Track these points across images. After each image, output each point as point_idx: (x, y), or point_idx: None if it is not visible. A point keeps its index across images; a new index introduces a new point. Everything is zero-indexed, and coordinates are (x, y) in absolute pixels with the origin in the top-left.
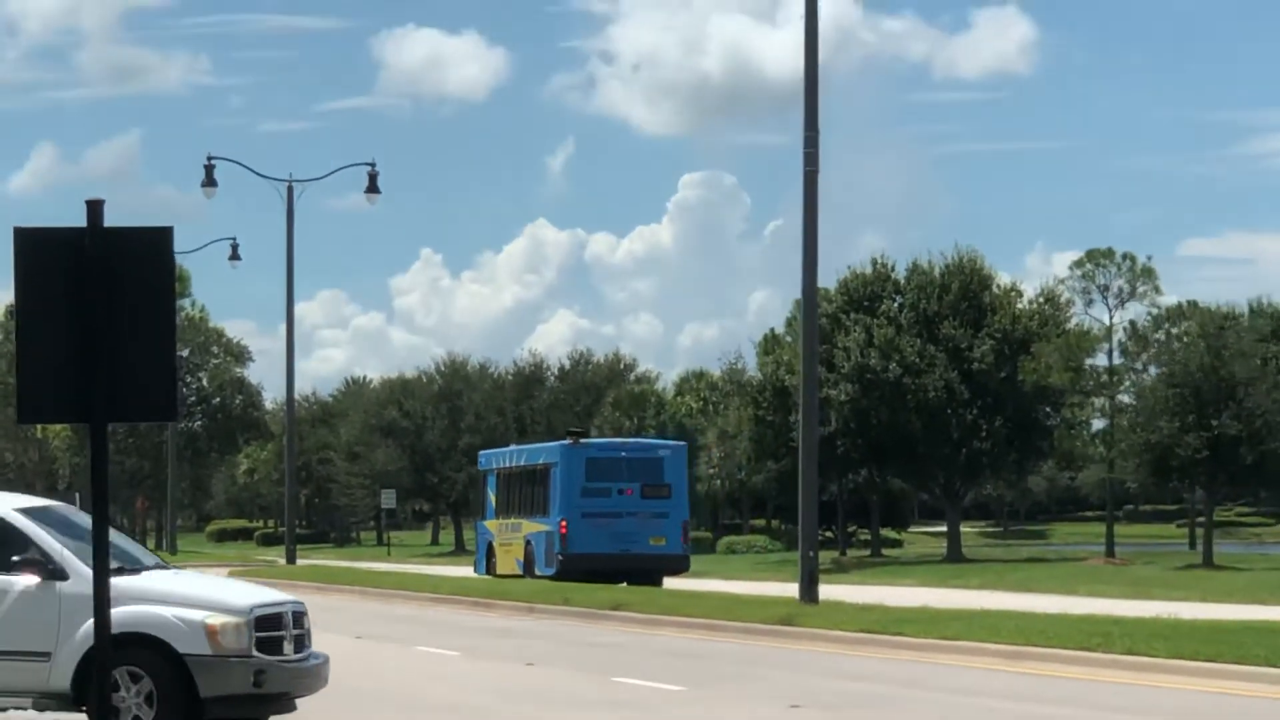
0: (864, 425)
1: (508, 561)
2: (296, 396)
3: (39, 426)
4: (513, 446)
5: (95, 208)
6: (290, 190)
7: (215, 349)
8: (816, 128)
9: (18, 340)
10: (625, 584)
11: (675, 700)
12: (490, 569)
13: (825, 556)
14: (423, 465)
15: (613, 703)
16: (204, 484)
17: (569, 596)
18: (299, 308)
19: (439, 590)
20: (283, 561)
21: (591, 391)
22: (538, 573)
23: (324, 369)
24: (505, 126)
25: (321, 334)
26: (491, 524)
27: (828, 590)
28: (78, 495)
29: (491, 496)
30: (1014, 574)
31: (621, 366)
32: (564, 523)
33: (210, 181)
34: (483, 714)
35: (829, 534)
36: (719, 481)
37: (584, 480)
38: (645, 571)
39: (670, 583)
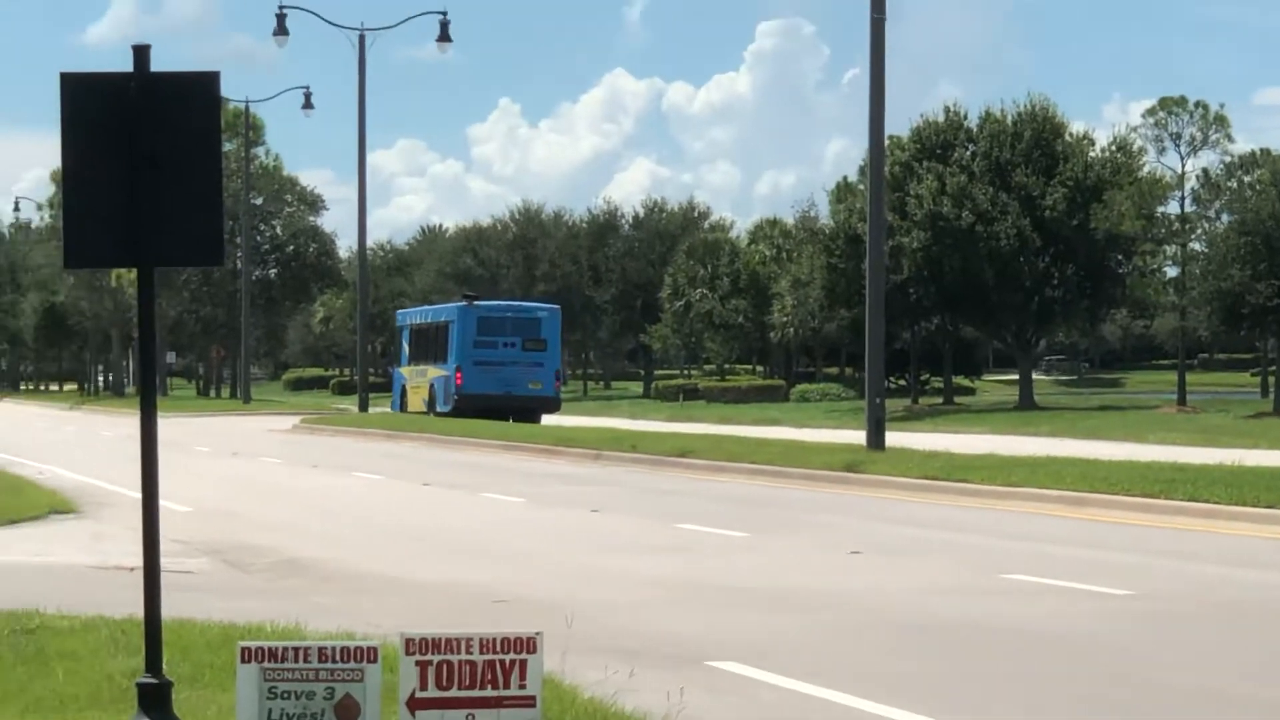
0: (936, 273)
1: (416, 401)
2: (372, 245)
3: (114, 275)
4: (423, 307)
5: (141, 53)
6: (362, 40)
7: (289, 197)
8: None
9: (64, 185)
10: (510, 419)
11: (737, 546)
12: (403, 407)
13: (897, 404)
14: None
15: (675, 548)
16: (278, 333)
17: (635, 443)
18: (378, 156)
19: (507, 437)
20: (355, 410)
21: (665, 239)
22: (438, 409)
23: (403, 217)
24: None
25: (400, 182)
26: (405, 370)
27: (897, 438)
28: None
29: (405, 348)
30: (1084, 422)
31: (695, 214)
32: (459, 369)
33: (282, 30)
34: (545, 559)
35: (901, 382)
36: (792, 329)
37: (476, 335)
38: (525, 409)
39: (736, 430)
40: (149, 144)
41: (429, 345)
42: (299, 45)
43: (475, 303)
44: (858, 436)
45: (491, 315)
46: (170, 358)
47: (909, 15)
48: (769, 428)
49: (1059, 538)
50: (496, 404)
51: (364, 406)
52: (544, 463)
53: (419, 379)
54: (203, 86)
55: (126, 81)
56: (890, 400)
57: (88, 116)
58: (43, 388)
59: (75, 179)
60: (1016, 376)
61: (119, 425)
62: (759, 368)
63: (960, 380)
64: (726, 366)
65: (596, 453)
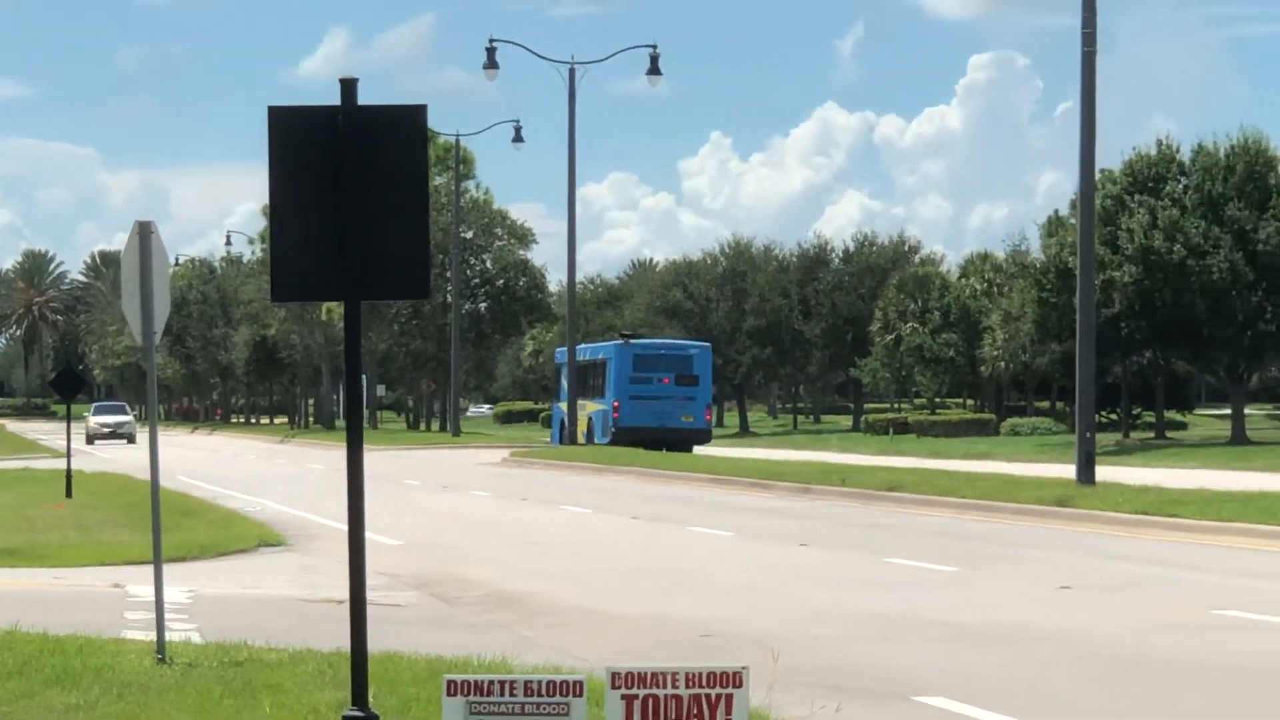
0: (1148, 307)
1: (575, 434)
2: (583, 278)
3: (324, 309)
4: (580, 345)
5: (349, 86)
6: (572, 73)
7: (499, 231)
8: (1094, 8)
9: (271, 219)
10: (664, 449)
11: (946, 581)
12: (562, 440)
13: (1108, 439)
14: None
15: (883, 583)
16: (487, 366)
17: (845, 477)
18: (589, 189)
19: (715, 471)
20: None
21: (875, 273)
22: (596, 441)
23: (614, 250)
24: (794, 8)
25: (612, 215)
26: (563, 405)
27: (1107, 472)
28: (364, 377)
29: (564, 383)
30: None
31: (906, 248)
32: (616, 403)
33: (492, 64)
34: (753, 594)
35: (1112, 416)
36: (1003, 363)
37: (632, 371)
38: (678, 441)
39: (946, 464)
40: (356, 177)
41: (588, 381)
42: (510, 79)
43: (631, 341)
44: (1068, 471)
45: (647, 353)
46: (380, 391)
47: (1124, 48)
48: (979, 462)
49: (1273, 573)
50: (651, 436)
51: (572, 439)
52: (752, 497)
53: (578, 413)
54: (410, 120)
55: (334, 115)
56: (1101, 435)
57: (295, 150)
58: (253, 421)
59: (283, 212)
60: (1229, 411)
61: (329, 459)
62: (969, 401)
63: (1172, 415)
64: (937, 400)
65: (805, 486)
